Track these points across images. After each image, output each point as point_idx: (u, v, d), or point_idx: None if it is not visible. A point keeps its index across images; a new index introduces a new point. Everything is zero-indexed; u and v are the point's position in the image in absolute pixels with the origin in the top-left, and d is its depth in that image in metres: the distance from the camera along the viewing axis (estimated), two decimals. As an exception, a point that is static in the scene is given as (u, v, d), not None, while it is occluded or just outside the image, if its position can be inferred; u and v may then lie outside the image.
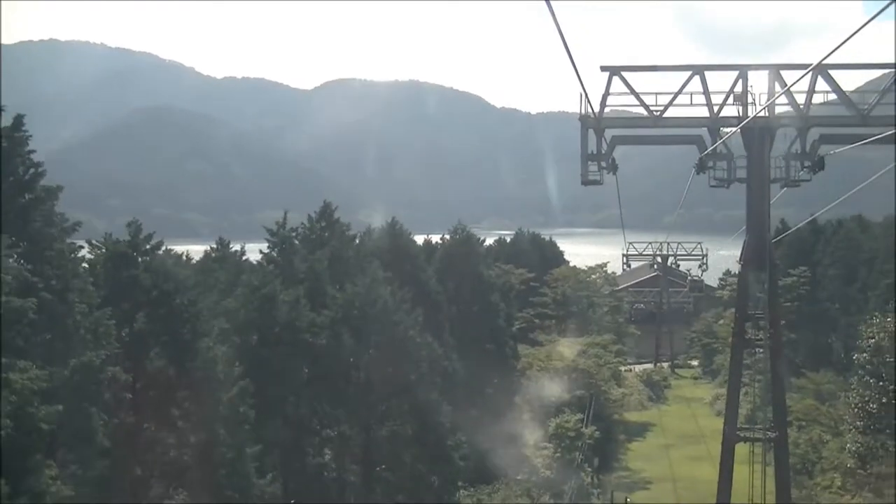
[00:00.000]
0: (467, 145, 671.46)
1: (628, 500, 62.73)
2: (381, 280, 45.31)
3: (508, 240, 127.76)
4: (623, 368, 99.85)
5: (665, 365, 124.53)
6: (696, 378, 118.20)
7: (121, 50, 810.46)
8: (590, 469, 62.88)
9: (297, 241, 47.52)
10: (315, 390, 39.70)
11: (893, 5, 11.81)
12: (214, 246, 50.86)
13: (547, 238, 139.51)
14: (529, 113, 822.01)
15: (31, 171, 27.10)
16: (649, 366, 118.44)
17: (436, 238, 76.94)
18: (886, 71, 39.98)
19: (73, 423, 23.88)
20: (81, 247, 29.71)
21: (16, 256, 24.67)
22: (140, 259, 31.35)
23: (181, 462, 27.89)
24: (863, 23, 13.11)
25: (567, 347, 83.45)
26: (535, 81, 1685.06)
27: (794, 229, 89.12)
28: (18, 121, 27.43)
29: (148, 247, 31.95)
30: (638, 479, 70.11)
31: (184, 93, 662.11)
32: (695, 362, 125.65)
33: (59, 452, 24.30)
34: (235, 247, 50.44)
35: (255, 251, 51.50)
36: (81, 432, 24.40)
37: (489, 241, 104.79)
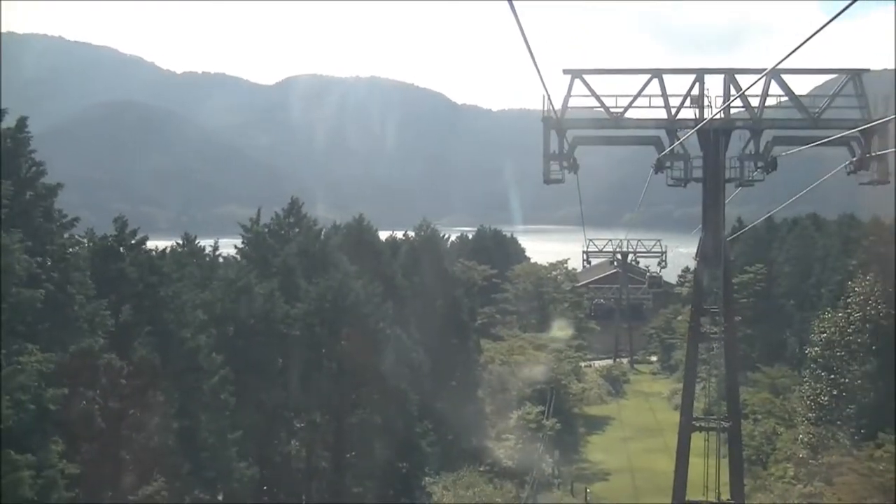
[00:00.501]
0: (428, 142, 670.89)
1: (588, 490, 64.21)
2: (352, 274, 46.72)
3: (470, 236, 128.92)
4: (583, 364, 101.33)
5: (624, 361, 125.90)
6: (654, 373, 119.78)
7: (80, 43, 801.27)
8: (551, 460, 64.19)
9: (269, 238, 48.42)
10: (288, 379, 40.81)
11: (846, 12, 12.58)
12: (180, 241, 51.60)
13: (508, 235, 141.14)
14: (491, 110, 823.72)
15: (33, 169, 28.34)
16: (609, 361, 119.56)
17: (399, 234, 78.13)
18: (836, 75, 41.42)
19: (71, 405, 25.11)
20: (80, 242, 31.02)
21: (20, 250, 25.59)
22: (125, 253, 32.55)
23: (166, 446, 28.91)
24: (814, 30, 13.45)
25: (528, 342, 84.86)
26: (497, 78, 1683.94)
27: (749, 227, 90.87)
28: (21, 122, 28.64)
29: (133, 242, 33.19)
30: (597, 471, 71.44)
31: (144, 87, 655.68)
32: (654, 358, 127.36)
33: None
34: (201, 242, 51.11)
35: (227, 246, 52.22)
36: (80, 415, 25.64)
37: (452, 238, 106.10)
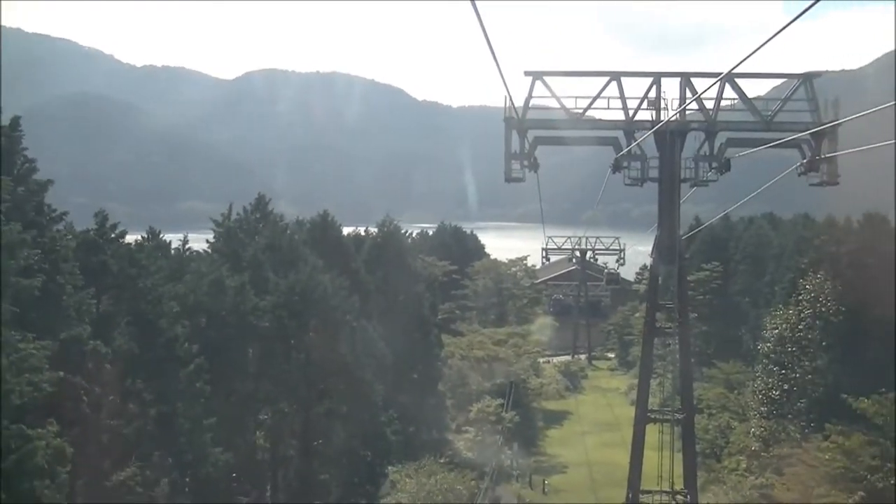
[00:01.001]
0: (388, 139, 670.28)
1: (546, 482, 65.45)
2: (320, 268, 47.78)
3: (431, 233, 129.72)
4: (541, 360, 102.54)
5: (583, 357, 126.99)
6: (612, 369, 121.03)
7: (38, 35, 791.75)
8: (510, 452, 65.31)
9: (239, 233, 49.13)
10: (259, 369, 41.75)
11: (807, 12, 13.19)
12: (145, 235, 52.08)
13: (469, 231, 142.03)
14: (451, 106, 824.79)
15: (26, 166, 29.31)
16: (567, 357, 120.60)
17: (361, 230, 79.00)
18: (787, 80, 42.77)
19: (61, 389, 26.09)
20: (69, 235, 31.94)
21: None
22: (106, 246, 33.48)
23: (144, 431, 29.85)
24: (768, 38, 13.97)
25: (488, 337, 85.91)
26: (458, 75, 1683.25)
27: (705, 225, 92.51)
28: (15, 121, 29.51)
29: (113, 235, 34.17)
30: (555, 464, 72.74)
31: (103, 80, 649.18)
32: (612, 354, 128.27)
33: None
34: (166, 236, 51.61)
35: (193, 241, 52.73)
36: (69, 398, 26.69)
37: (413, 234, 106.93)
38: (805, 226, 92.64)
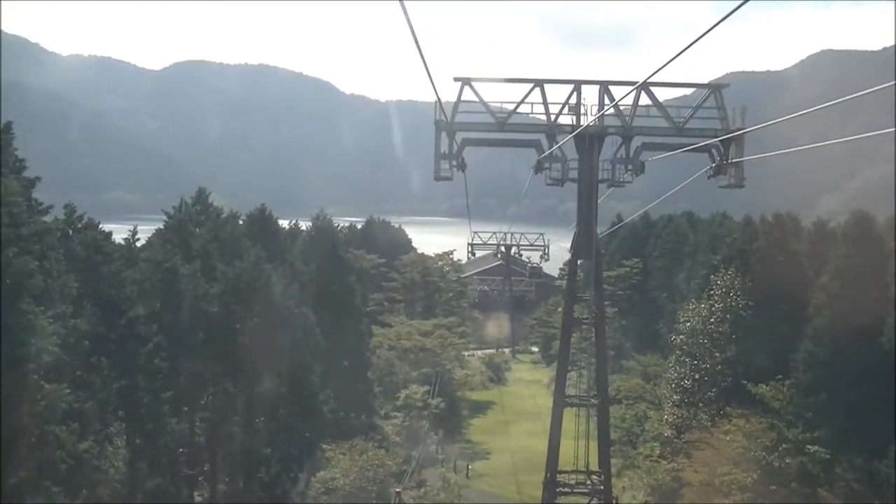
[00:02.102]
0: (315, 131, 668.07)
1: (469, 467, 68.14)
2: (264, 258, 50.29)
3: (359, 226, 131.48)
4: (466, 353, 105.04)
5: (507, 350, 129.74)
6: (535, 362, 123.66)
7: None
8: (436, 437, 67.81)
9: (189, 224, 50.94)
10: (208, 351, 43.97)
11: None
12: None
13: (396, 226, 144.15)
14: (379, 100, 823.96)
15: (17, 164, 31.37)
16: (492, 351, 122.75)
17: (292, 223, 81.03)
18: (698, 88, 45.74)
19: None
20: (58, 229, 34.21)
21: None
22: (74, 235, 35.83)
23: (109, 401, 32.10)
24: (680, 50, 15.15)
25: (415, 328, 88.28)
26: (386, 69, 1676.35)
27: (624, 223, 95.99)
28: (8, 125, 31.39)
29: (80, 225, 36.57)
30: (479, 450, 75.52)
31: (27, 69, 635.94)
32: (535, 349, 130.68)
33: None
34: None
35: (121, 232, 54.24)
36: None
37: (342, 227, 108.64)
38: (721, 224, 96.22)
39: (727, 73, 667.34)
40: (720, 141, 42.24)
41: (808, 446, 47.69)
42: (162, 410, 38.28)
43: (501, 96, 43.73)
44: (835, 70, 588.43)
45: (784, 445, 46.12)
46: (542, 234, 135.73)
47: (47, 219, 34.64)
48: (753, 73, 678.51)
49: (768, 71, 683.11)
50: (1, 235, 26.74)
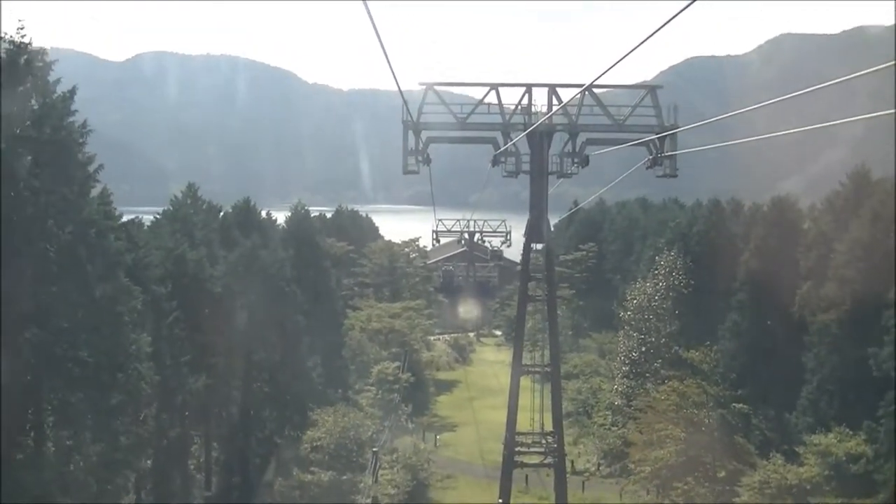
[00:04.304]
0: (279, 120, 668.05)
1: (437, 437, 73.47)
2: (259, 245, 55.96)
3: (329, 215, 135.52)
4: (432, 338, 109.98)
5: (471, 334, 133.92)
6: (499, 345, 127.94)
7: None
8: (407, 409, 72.95)
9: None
10: (213, 324, 49.19)
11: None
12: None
13: (364, 214, 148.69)
14: (342, 89, 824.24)
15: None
16: (457, 335, 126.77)
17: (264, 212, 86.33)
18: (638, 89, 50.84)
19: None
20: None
21: None
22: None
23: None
24: (622, 55, 15.57)
25: (384, 311, 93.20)
26: (348, 58, 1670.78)
27: (580, 207, 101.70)
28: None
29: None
30: (446, 423, 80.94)
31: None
32: (498, 332, 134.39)
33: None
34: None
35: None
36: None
37: (312, 216, 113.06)
38: (668, 209, 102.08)
39: (688, 59, 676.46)
40: (656, 136, 47.14)
41: (734, 404, 53.74)
42: (182, 372, 43.89)
43: (464, 92, 47.86)
44: (794, 53, 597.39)
45: (710, 403, 51.66)
46: (503, 221, 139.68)
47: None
48: (714, 57, 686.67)
49: (728, 55, 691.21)
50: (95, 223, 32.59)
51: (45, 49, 29.68)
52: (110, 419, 33.28)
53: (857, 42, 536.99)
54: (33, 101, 30.07)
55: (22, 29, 28.24)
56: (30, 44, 28.55)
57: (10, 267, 28.58)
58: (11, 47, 28.10)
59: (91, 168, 33.11)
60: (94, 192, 34.01)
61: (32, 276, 30.10)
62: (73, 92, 31.81)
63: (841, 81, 15.38)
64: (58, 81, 30.88)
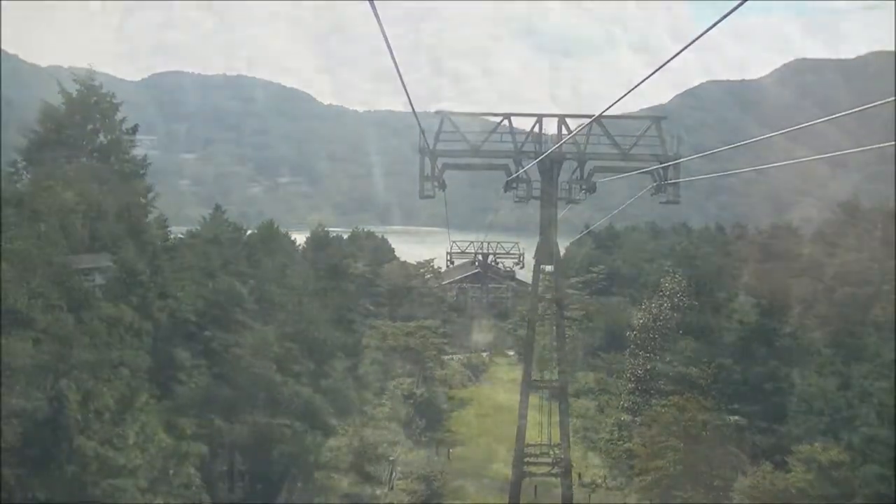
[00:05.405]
0: (294, 142, 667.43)
1: (450, 451, 76.03)
2: (286, 264, 59.39)
3: (345, 237, 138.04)
4: (446, 357, 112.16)
5: (485, 354, 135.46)
6: (511, 364, 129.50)
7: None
8: (421, 423, 75.51)
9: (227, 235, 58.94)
10: (242, 338, 52.39)
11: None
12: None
13: (380, 236, 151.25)
14: (357, 111, 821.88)
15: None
16: (470, 354, 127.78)
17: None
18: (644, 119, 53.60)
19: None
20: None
21: None
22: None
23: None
24: (631, 87, 17.17)
25: (399, 329, 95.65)
26: (365, 79, 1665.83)
27: (590, 229, 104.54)
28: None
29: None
30: (458, 438, 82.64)
31: (6, 81, 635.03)
32: (511, 352, 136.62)
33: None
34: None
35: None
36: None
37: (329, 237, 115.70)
38: (677, 234, 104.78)
39: (702, 83, 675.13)
40: (660, 166, 49.72)
41: (729, 417, 56.62)
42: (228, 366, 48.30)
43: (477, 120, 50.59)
44: (809, 78, 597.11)
45: (707, 417, 54.40)
46: (517, 243, 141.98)
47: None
48: (728, 81, 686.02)
49: (743, 80, 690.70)
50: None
51: (113, 93, 32.47)
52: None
53: (872, 67, 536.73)
54: (101, 138, 32.79)
55: (92, 71, 31.32)
56: (101, 86, 31.47)
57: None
58: (83, 89, 31.04)
59: (150, 196, 35.84)
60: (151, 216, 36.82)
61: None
62: (135, 129, 34.58)
63: (850, 113, 16.19)
64: (123, 120, 33.67)
